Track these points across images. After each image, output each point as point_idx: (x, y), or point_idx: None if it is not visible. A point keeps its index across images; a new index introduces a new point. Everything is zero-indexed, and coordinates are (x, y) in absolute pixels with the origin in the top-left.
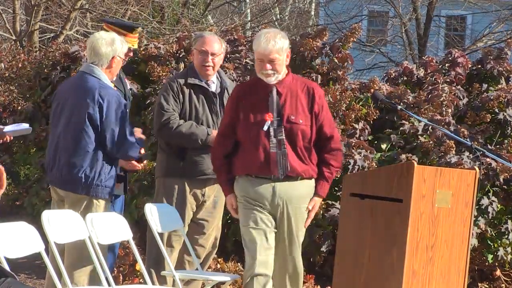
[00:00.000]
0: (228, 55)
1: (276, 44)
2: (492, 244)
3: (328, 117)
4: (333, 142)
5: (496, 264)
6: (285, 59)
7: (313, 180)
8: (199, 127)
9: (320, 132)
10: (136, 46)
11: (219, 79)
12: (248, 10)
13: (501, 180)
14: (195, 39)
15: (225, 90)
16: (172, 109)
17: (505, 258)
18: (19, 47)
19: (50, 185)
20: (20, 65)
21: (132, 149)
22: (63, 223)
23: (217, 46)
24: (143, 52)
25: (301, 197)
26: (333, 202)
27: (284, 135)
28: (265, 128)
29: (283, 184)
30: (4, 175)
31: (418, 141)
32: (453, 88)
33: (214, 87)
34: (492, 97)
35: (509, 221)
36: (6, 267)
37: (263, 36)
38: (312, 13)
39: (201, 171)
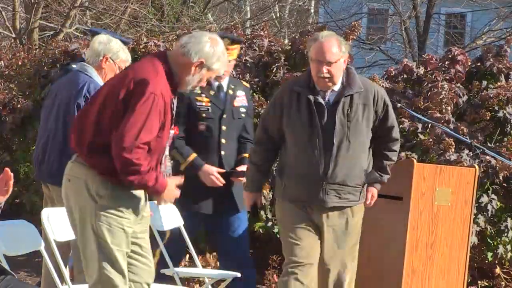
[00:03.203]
0: None
1: None
2: (491, 242)
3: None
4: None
5: (496, 262)
6: None
7: None
8: None
9: None
10: (232, 57)
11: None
12: (248, 8)
13: (501, 178)
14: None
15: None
16: None
17: (504, 256)
18: (18, 45)
19: (37, 179)
20: (19, 63)
21: None
22: (63, 221)
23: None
24: (143, 50)
25: None
26: None
27: None
28: None
29: None
30: (12, 180)
31: (418, 139)
32: (453, 86)
33: None
34: (491, 95)
35: (508, 219)
36: (5, 265)
37: None
38: (312, 11)
39: None
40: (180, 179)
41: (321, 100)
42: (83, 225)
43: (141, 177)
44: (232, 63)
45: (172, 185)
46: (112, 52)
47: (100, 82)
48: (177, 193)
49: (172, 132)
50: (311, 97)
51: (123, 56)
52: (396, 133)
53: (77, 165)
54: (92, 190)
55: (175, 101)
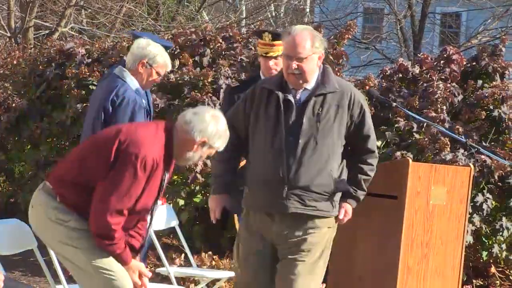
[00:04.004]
0: (223, 52)
1: None
2: (487, 241)
3: None
4: None
5: (491, 261)
6: None
7: None
8: None
9: None
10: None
11: None
12: (243, 7)
13: (496, 177)
14: None
15: None
16: None
17: (499, 255)
18: (14, 44)
19: None
20: (15, 62)
21: None
22: None
23: None
24: None
25: None
26: None
27: None
28: None
29: None
30: None
31: (413, 138)
32: (448, 85)
33: None
34: (487, 94)
35: (503, 218)
36: None
37: None
38: (307, 10)
39: None
40: (143, 270)
41: (290, 98)
42: (60, 248)
43: (111, 243)
44: (279, 60)
45: (137, 267)
46: (149, 57)
47: (134, 86)
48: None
49: (159, 202)
50: (280, 94)
51: (161, 61)
52: (372, 145)
53: (41, 193)
54: (54, 217)
55: (167, 174)
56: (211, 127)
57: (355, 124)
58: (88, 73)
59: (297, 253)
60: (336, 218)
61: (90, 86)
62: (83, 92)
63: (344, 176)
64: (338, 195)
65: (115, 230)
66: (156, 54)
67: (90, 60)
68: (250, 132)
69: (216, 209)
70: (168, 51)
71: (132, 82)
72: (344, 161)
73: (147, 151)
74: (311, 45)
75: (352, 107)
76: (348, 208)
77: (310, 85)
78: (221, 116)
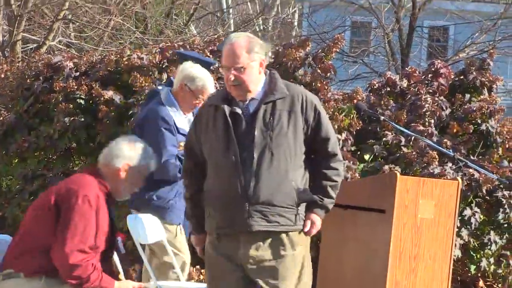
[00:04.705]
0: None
1: None
2: (475, 254)
3: None
4: None
5: (479, 274)
6: None
7: None
8: None
9: None
10: None
11: None
12: (232, 21)
13: (484, 191)
14: None
15: None
16: None
17: (487, 268)
18: (1, 57)
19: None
20: (2, 76)
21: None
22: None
23: None
24: (126, 62)
25: None
26: None
27: None
28: None
29: None
30: None
31: (401, 152)
32: (436, 98)
33: None
34: (474, 108)
35: (491, 232)
36: None
37: None
38: (295, 23)
39: None
40: (135, 284)
41: (238, 110)
42: None
43: (86, 278)
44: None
45: (126, 285)
46: (188, 79)
47: (170, 104)
48: None
49: (119, 239)
50: (226, 108)
51: (199, 84)
52: (333, 148)
53: (5, 282)
54: None
55: (113, 209)
56: (126, 149)
57: (311, 128)
58: (76, 87)
59: (273, 280)
60: (303, 231)
61: (78, 100)
62: (71, 105)
63: (308, 184)
64: (302, 207)
65: (82, 265)
66: (195, 77)
67: (78, 73)
68: (205, 154)
69: (197, 248)
70: (161, 65)
71: (169, 99)
72: (307, 169)
73: (86, 189)
74: (249, 53)
75: (305, 110)
76: (315, 219)
77: (257, 94)
78: (134, 138)
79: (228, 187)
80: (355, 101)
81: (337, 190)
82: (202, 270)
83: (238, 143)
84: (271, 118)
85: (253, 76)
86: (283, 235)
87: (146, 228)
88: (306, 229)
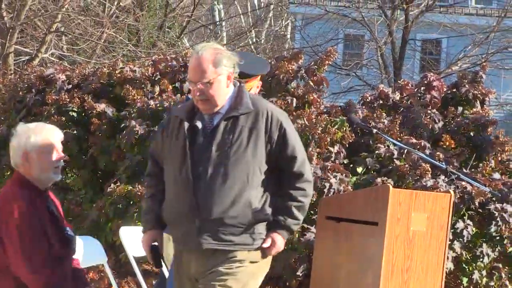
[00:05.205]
0: None
1: None
2: (467, 267)
3: None
4: None
5: (471, 287)
6: None
7: None
8: None
9: None
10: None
11: None
12: (224, 33)
13: (477, 203)
14: None
15: None
16: None
17: (480, 281)
18: None
19: None
20: None
21: None
22: None
23: None
24: (119, 75)
25: None
26: (308, 226)
27: None
28: None
29: None
30: None
31: (394, 165)
32: (429, 111)
33: None
34: (467, 121)
35: (484, 245)
36: None
37: None
38: (288, 36)
39: None
40: None
41: (198, 124)
42: None
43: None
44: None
45: None
46: None
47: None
48: None
49: (68, 228)
50: (185, 124)
51: None
52: (300, 167)
53: None
54: None
55: (52, 204)
56: (16, 140)
57: (276, 146)
58: (68, 100)
59: None
60: (262, 250)
61: (70, 113)
62: (63, 118)
63: (268, 204)
64: (260, 226)
65: (49, 275)
66: None
67: (70, 86)
68: (164, 164)
69: (144, 247)
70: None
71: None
72: (269, 187)
73: (15, 203)
74: (216, 66)
75: (269, 128)
76: (276, 239)
77: (224, 108)
78: (22, 125)
79: (181, 203)
80: (348, 114)
81: (303, 211)
82: None
83: (195, 158)
84: (231, 135)
85: (220, 90)
86: (237, 253)
87: (139, 241)
88: (264, 245)
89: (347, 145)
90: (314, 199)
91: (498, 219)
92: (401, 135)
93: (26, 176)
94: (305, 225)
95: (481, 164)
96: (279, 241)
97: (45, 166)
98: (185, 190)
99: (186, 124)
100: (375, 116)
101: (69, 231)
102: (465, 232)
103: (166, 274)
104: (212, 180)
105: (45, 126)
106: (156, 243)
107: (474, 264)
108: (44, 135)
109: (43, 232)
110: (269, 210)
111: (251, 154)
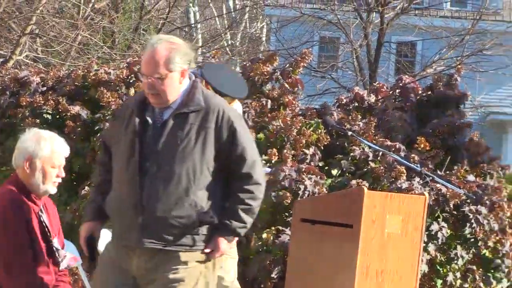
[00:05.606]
0: None
1: None
2: (441, 269)
3: None
4: None
5: None
6: None
7: None
8: None
9: None
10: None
11: None
12: (200, 36)
13: (451, 205)
14: None
15: None
16: None
17: (454, 283)
18: None
19: None
20: None
21: None
22: None
23: None
24: (93, 77)
25: None
26: (283, 229)
27: None
28: None
29: None
30: None
31: (369, 167)
32: (404, 114)
33: None
34: (442, 123)
35: (458, 247)
36: None
37: None
38: (263, 38)
39: None
40: None
41: (148, 119)
42: None
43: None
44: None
45: None
46: None
47: None
48: None
49: (56, 241)
50: (136, 117)
51: None
52: (249, 168)
53: None
54: None
55: (44, 213)
56: (24, 143)
57: (225, 145)
58: (42, 102)
59: None
60: (204, 251)
61: (45, 115)
62: (38, 120)
63: (218, 206)
64: (204, 228)
65: (29, 282)
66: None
67: (45, 88)
68: (112, 155)
69: (82, 236)
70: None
71: None
72: (219, 190)
73: (1, 204)
74: (170, 62)
75: (219, 126)
76: (219, 242)
77: (175, 102)
78: (41, 133)
79: (125, 198)
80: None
81: (252, 214)
82: None
83: (143, 153)
84: (180, 131)
85: (172, 86)
86: (180, 253)
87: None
88: (206, 250)
89: (322, 147)
90: (289, 201)
91: (473, 221)
92: (376, 137)
93: (23, 180)
94: (280, 228)
95: (455, 167)
96: (223, 244)
97: (45, 178)
98: (130, 185)
99: (138, 117)
100: (350, 118)
101: (55, 243)
102: (439, 234)
103: None
104: (159, 178)
105: (57, 139)
106: (93, 236)
107: (448, 266)
108: (54, 147)
109: (27, 239)
110: (214, 213)
111: (199, 153)
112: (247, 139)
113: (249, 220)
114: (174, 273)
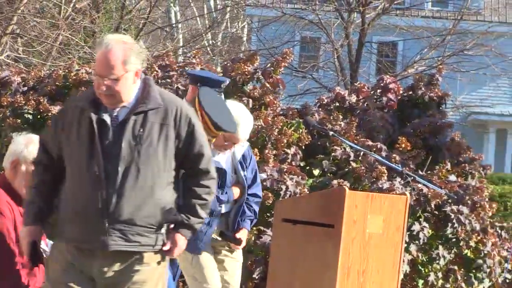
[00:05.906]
0: (159, 80)
1: None
2: (423, 269)
3: None
4: None
5: None
6: None
7: None
8: None
9: None
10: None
11: None
12: (181, 36)
13: (433, 205)
14: None
15: None
16: None
17: (435, 283)
18: None
19: None
20: None
21: None
22: None
23: None
24: (74, 77)
25: None
26: (264, 229)
27: None
28: None
29: None
30: None
31: (350, 167)
32: (385, 114)
33: None
34: (423, 123)
35: (440, 247)
36: None
37: None
38: (245, 38)
39: None
40: None
41: (106, 118)
42: None
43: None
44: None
45: None
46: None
47: None
48: None
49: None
50: (92, 115)
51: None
52: (205, 164)
53: None
54: None
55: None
56: (15, 145)
57: (183, 142)
58: (23, 102)
59: None
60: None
61: (26, 115)
62: (19, 120)
63: (177, 203)
64: (165, 226)
65: (15, 282)
66: None
67: (26, 88)
68: (65, 157)
69: (24, 241)
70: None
71: None
72: (177, 187)
73: None
74: (125, 63)
75: (178, 123)
76: (178, 239)
77: (129, 101)
78: (30, 134)
79: (88, 202)
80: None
81: (207, 210)
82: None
83: (103, 154)
84: (141, 130)
85: (127, 87)
86: (144, 254)
87: None
88: (165, 248)
89: (303, 147)
90: (271, 202)
91: (454, 221)
92: (358, 137)
93: (10, 181)
94: (262, 228)
95: (437, 167)
96: (181, 241)
97: (27, 182)
98: (93, 187)
99: (93, 116)
100: (331, 118)
101: (42, 244)
102: (421, 234)
103: None
104: (123, 179)
105: None
106: (35, 240)
107: (430, 266)
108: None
109: (12, 240)
110: (177, 210)
111: (162, 151)
112: (203, 135)
113: (204, 215)
114: (139, 274)
